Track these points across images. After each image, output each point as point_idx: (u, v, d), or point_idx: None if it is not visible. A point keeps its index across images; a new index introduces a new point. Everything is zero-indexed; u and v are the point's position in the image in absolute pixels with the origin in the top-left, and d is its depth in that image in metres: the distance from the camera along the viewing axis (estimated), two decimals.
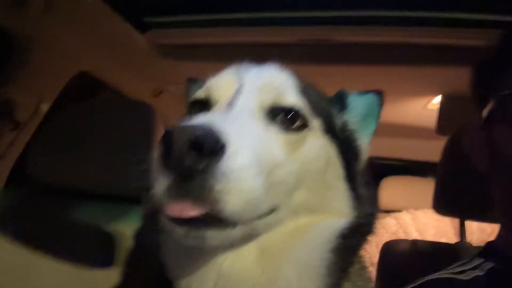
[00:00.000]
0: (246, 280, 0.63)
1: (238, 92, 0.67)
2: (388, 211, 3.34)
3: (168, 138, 0.51)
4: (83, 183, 1.38)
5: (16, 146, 1.55)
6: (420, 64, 1.71)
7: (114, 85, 1.91)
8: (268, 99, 0.67)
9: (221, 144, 0.52)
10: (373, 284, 0.78)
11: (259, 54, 0.75)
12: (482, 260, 0.89)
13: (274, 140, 0.63)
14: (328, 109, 0.75)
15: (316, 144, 0.68)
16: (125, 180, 1.37)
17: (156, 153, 0.54)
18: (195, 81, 0.83)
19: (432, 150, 1.59)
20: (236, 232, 0.57)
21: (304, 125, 0.67)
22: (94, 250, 1.30)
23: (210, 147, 0.50)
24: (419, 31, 1.57)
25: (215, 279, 0.64)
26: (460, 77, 0.99)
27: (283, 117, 0.66)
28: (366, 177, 0.76)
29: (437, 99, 2.12)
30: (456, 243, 1.49)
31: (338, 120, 0.76)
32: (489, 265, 0.87)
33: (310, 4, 1.46)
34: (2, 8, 1.18)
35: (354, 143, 0.78)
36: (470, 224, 1.83)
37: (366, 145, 0.79)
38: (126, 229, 1.34)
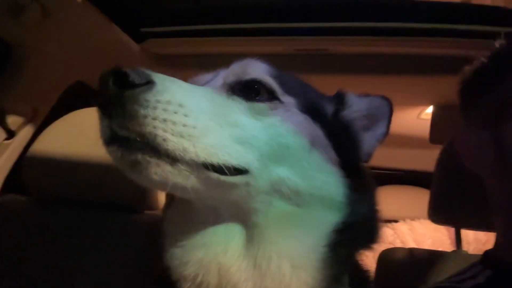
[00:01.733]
0: (238, 276, 0.63)
1: (210, 80, 0.73)
2: (383, 221, 3.33)
3: (100, 79, 0.55)
4: (78, 192, 1.37)
5: (10, 155, 1.54)
6: (412, 74, 1.73)
7: None
8: (232, 77, 0.70)
9: (148, 79, 0.55)
10: None
11: None
12: (481, 268, 0.89)
13: (234, 105, 0.66)
14: (308, 93, 0.77)
15: (290, 118, 0.69)
16: (121, 189, 1.36)
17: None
18: None
19: (426, 160, 1.60)
20: (183, 175, 0.56)
21: (272, 98, 0.69)
22: None
23: (134, 79, 0.54)
24: (411, 42, 1.59)
25: (217, 279, 0.63)
26: (452, 87, 1.00)
27: (246, 89, 0.68)
28: (367, 179, 0.76)
29: (430, 108, 2.14)
30: (453, 251, 1.49)
31: (329, 109, 0.77)
32: (488, 273, 0.87)
33: (305, 15, 1.47)
34: None
35: (352, 134, 0.78)
36: (466, 234, 1.83)
37: (371, 145, 0.80)
38: None
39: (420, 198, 1.88)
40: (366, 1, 1.59)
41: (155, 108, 0.54)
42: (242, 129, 0.62)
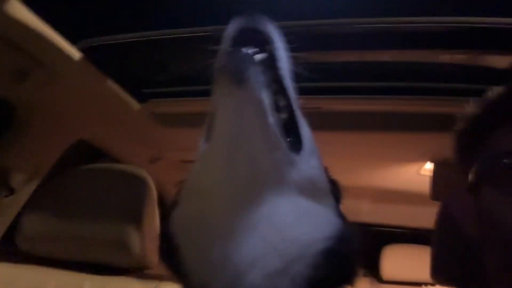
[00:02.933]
0: None
1: None
2: (392, 282, 3.21)
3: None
4: (73, 253, 1.35)
5: (9, 212, 1.54)
6: (409, 131, 1.75)
7: (111, 153, 1.94)
8: None
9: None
10: None
11: None
12: None
13: None
14: None
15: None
16: (119, 250, 1.34)
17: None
18: None
19: (429, 217, 1.57)
20: None
21: None
22: None
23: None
24: (408, 100, 1.62)
25: None
26: (450, 144, 1.01)
27: None
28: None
29: (429, 165, 2.14)
30: None
31: None
32: None
33: (299, 76, 1.52)
34: (5, 81, 1.22)
35: None
36: None
37: None
38: None
39: (426, 257, 1.82)
40: (362, 63, 1.63)
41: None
42: None
